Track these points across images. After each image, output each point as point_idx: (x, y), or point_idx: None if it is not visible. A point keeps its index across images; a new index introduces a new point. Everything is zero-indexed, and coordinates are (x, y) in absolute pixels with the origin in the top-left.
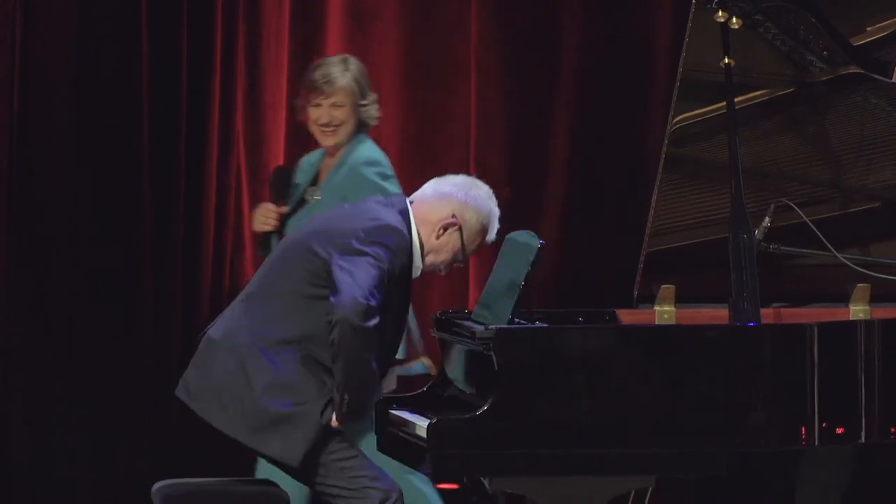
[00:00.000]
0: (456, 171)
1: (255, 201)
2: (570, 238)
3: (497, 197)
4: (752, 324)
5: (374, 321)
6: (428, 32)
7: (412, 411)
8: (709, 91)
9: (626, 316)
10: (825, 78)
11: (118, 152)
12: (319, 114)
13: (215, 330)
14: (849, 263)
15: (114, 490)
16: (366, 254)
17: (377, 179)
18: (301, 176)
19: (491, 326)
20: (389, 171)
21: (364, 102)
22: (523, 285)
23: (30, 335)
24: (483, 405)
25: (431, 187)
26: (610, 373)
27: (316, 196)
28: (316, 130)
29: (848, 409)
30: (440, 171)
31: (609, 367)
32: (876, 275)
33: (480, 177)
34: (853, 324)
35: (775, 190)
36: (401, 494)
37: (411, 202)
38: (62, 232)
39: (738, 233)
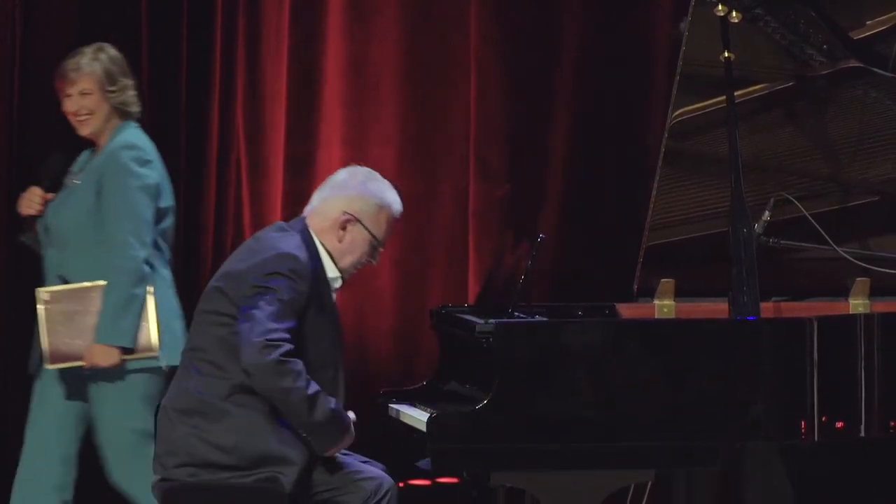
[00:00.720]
0: (457, 170)
1: (256, 194)
2: (570, 234)
3: (497, 194)
4: (751, 318)
5: (281, 350)
6: (428, 31)
7: (411, 405)
8: (709, 85)
9: (626, 310)
10: (825, 72)
11: None
12: (70, 104)
13: (167, 398)
14: (848, 257)
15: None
16: (264, 289)
17: (132, 164)
18: (77, 165)
19: (491, 320)
20: (148, 156)
21: (112, 89)
22: (523, 279)
23: (30, 333)
24: (483, 399)
25: (316, 197)
26: (609, 367)
27: (75, 181)
28: (72, 120)
29: (847, 403)
30: (440, 170)
31: (609, 361)
32: (876, 268)
33: (480, 174)
34: (853, 318)
35: (775, 184)
36: (393, 485)
37: (304, 218)
38: None
39: (737, 227)
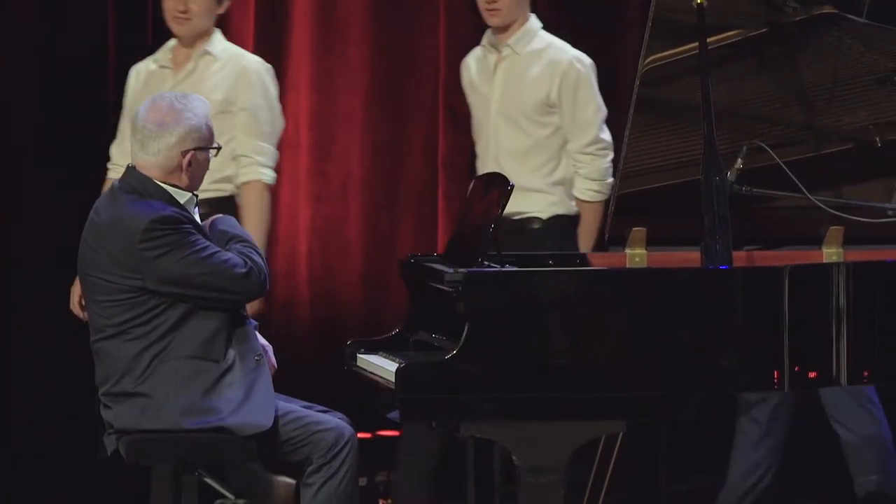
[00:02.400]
0: (427, 119)
1: None
2: None
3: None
4: (724, 266)
5: (249, 271)
6: None
7: (380, 355)
8: (681, 31)
9: (597, 259)
10: (798, 18)
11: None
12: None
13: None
14: (822, 206)
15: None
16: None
17: None
18: None
19: (460, 269)
20: None
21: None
22: (493, 227)
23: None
24: (452, 349)
25: (140, 149)
26: (580, 316)
27: None
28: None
29: (821, 353)
30: (410, 119)
31: (579, 310)
32: (849, 217)
33: (450, 123)
34: (826, 266)
35: (748, 131)
36: (353, 434)
37: (134, 167)
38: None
39: (709, 175)
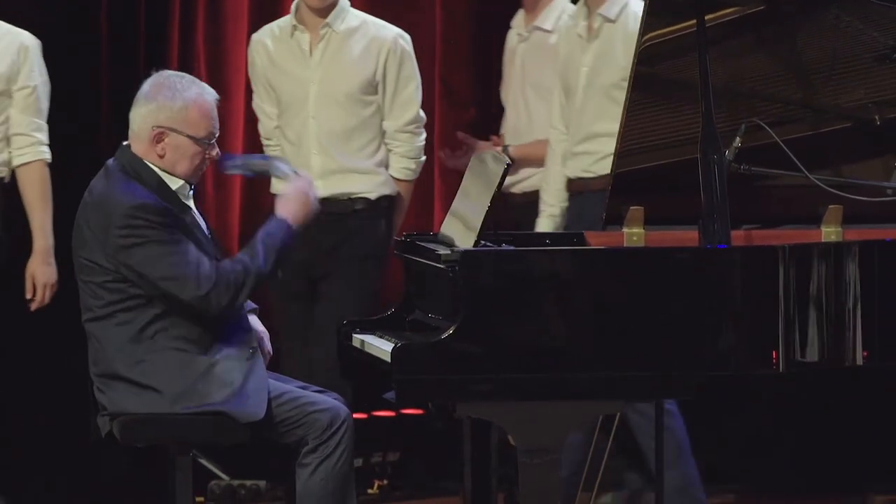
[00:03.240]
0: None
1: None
2: None
3: (463, 118)
4: (722, 246)
5: (215, 288)
6: None
7: (376, 335)
8: (679, 8)
9: (594, 238)
10: None
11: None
12: None
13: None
14: (820, 184)
15: None
16: (142, 242)
17: None
18: None
19: (457, 248)
20: None
21: None
22: (490, 207)
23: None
24: (448, 329)
25: (131, 118)
26: (577, 296)
27: None
28: None
29: (820, 332)
30: None
31: (576, 290)
32: (848, 195)
33: (446, 98)
34: (825, 245)
35: (746, 109)
36: (349, 415)
37: (128, 145)
38: None
39: (708, 153)
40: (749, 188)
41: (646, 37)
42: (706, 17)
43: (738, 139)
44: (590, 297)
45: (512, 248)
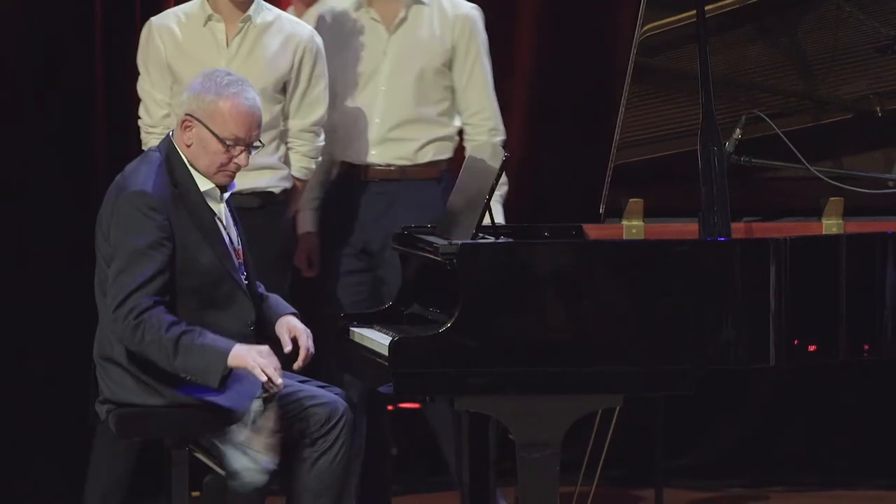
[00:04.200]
0: None
1: None
2: (536, 151)
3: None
4: (722, 238)
5: (131, 314)
6: None
7: (373, 329)
8: None
9: (593, 231)
10: None
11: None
12: None
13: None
14: (821, 176)
15: None
16: (120, 244)
17: None
18: None
19: (455, 241)
20: None
21: None
22: (488, 199)
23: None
24: (446, 322)
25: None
26: (576, 289)
27: None
28: None
29: (820, 326)
30: None
31: (575, 283)
32: (849, 188)
33: None
34: (826, 238)
35: (746, 101)
36: (348, 410)
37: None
38: None
39: (708, 145)
40: (749, 180)
41: (645, 27)
42: (706, 7)
43: (738, 131)
44: (589, 290)
45: (510, 240)
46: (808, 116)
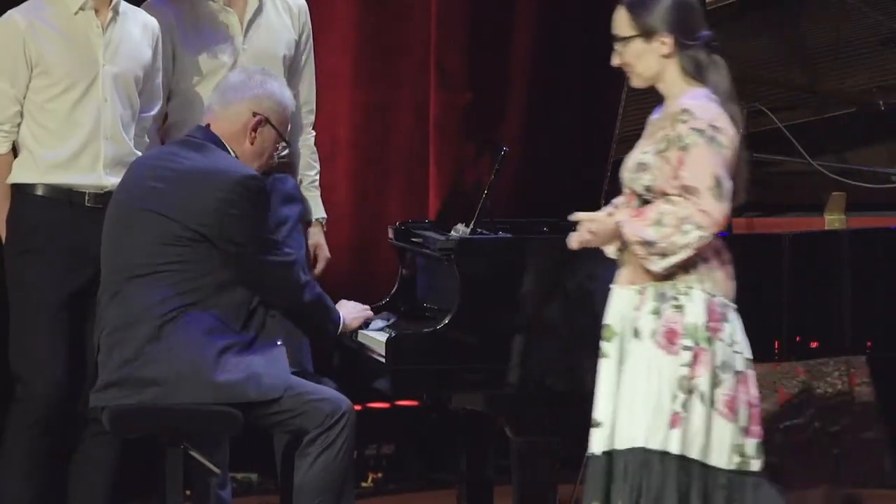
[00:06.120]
0: (416, 78)
1: None
2: (534, 145)
3: (459, 103)
4: (723, 234)
5: (315, 289)
6: None
7: (370, 325)
8: None
9: None
10: None
11: None
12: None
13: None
14: (824, 171)
15: None
16: (262, 229)
17: None
18: None
19: (452, 236)
20: None
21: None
22: (486, 194)
23: None
24: (444, 318)
25: (217, 102)
26: (574, 284)
27: None
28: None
29: (823, 322)
30: (399, 78)
31: (573, 278)
32: (852, 182)
33: (441, 82)
34: (828, 233)
35: (748, 94)
36: (350, 407)
37: (208, 126)
38: None
39: None
40: (751, 174)
41: None
42: (707, 0)
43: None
44: (588, 286)
45: (508, 235)
46: (810, 110)
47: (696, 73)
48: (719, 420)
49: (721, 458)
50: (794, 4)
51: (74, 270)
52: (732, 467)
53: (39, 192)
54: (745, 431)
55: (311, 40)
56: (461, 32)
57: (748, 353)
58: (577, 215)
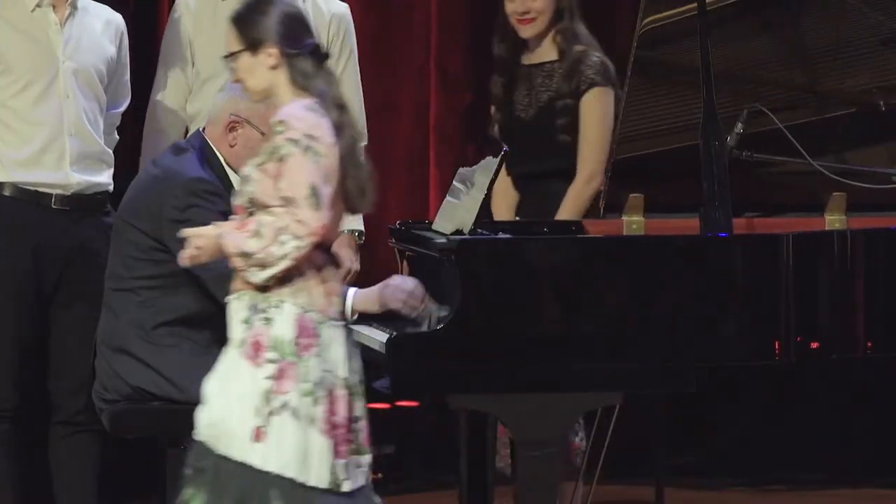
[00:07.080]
0: (417, 79)
1: None
2: None
3: (459, 104)
4: (723, 234)
5: None
6: None
7: (369, 325)
8: None
9: (593, 226)
10: None
11: None
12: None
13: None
14: (824, 171)
15: None
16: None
17: None
18: None
19: (453, 237)
20: None
21: None
22: (487, 195)
23: None
24: (444, 319)
25: (212, 105)
26: (576, 286)
27: None
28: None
29: (823, 322)
30: (399, 80)
31: (575, 279)
32: (852, 183)
33: (441, 84)
34: (829, 234)
35: (748, 95)
36: None
37: (204, 129)
38: None
39: (709, 139)
40: (751, 175)
41: (646, 20)
42: (707, 0)
43: (739, 125)
44: (589, 286)
45: (509, 236)
46: (810, 110)
47: (305, 84)
48: (317, 437)
49: (319, 475)
50: (794, 4)
51: (41, 272)
52: (324, 485)
53: (7, 192)
54: (336, 452)
55: (347, 48)
56: (461, 34)
57: (343, 373)
58: (185, 231)
